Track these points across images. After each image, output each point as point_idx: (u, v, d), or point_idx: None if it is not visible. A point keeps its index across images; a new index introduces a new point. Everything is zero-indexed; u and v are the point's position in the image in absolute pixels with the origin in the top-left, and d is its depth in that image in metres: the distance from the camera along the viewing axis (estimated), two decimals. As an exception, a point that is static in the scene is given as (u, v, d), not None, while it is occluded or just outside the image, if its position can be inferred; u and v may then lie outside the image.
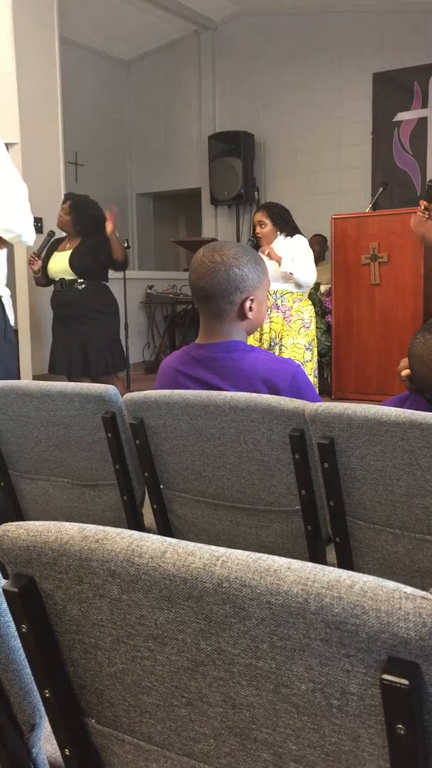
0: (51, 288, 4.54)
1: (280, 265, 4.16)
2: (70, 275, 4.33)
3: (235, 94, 8.13)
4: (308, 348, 4.33)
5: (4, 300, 2.42)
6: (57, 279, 4.39)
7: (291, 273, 4.17)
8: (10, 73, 5.26)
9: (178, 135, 8.58)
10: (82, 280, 4.32)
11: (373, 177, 7.36)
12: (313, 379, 4.39)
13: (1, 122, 5.12)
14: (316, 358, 4.44)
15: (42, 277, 4.45)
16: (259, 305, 1.69)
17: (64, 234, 4.50)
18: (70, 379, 4.31)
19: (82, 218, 4.37)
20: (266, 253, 4.19)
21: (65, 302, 4.36)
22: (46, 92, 5.64)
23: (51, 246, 4.47)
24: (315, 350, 4.42)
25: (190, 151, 8.50)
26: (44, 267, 4.42)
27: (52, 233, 4.46)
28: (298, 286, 4.29)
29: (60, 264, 4.36)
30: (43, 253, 4.42)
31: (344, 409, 1.33)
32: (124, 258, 4.45)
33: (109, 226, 4.25)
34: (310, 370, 4.35)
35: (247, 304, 1.66)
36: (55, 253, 4.41)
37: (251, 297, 1.66)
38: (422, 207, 3.57)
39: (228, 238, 7.75)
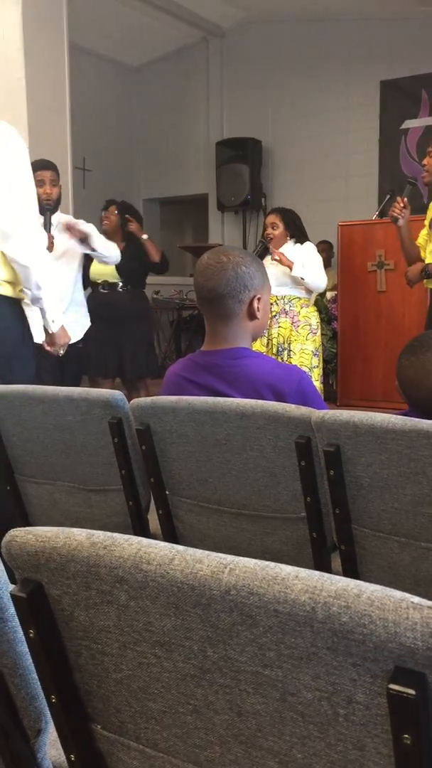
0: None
1: (291, 270, 4.19)
2: (114, 278, 4.40)
3: (243, 100, 8.15)
4: (315, 354, 4.35)
5: (30, 310, 2.45)
6: (99, 281, 4.42)
7: (302, 278, 4.19)
8: (19, 78, 5.29)
9: (185, 141, 8.60)
10: (125, 284, 4.41)
11: (379, 184, 7.36)
12: (319, 385, 4.40)
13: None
14: (322, 364, 4.46)
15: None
16: (264, 306, 1.71)
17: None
18: (94, 382, 4.33)
19: (125, 222, 4.51)
20: (277, 258, 4.22)
21: (106, 305, 4.37)
22: (54, 98, 5.67)
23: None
24: (321, 356, 4.44)
25: (197, 157, 8.53)
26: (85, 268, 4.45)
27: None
28: (308, 291, 4.32)
29: (106, 267, 4.38)
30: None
31: (350, 417, 1.34)
32: (162, 259, 4.56)
33: (138, 232, 4.43)
34: (317, 376, 4.36)
35: (255, 303, 1.67)
36: None
37: (258, 296, 1.68)
38: (401, 204, 3.57)
39: (235, 244, 7.75)
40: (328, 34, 7.52)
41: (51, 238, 3.68)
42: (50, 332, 2.55)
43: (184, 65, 8.46)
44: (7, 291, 2.36)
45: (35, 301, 2.43)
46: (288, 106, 7.84)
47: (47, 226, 3.64)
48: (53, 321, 2.52)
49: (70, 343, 3.62)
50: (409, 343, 1.69)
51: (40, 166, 3.60)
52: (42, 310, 2.49)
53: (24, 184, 2.33)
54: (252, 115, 8.03)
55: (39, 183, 3.43)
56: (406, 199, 3.63)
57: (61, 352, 2.68)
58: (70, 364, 3.84)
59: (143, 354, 4.50)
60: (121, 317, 4.37)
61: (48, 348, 2.63)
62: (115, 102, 8.56)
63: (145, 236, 4.43)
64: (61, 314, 2.63)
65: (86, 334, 4.41)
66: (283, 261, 4.22)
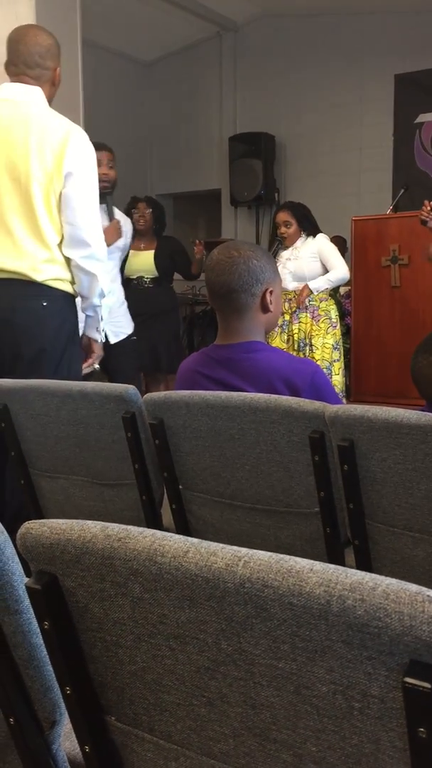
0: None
1: (313, 289, 4.26)
2: (151, 274, 4.48)
3: (256, 95, 8.12)
4: (336, 347, 4.35)
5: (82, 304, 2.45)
6: (134, 276, 4.47)
7: (330, 280, 4.28)
8: (32, 74, 5.29)
9: (198, 136, 8.58)
10: (159, 281, 4.51)
11: (393, 179, 7.32)
12: (341, 378, 4.40)
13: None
14: (342, 358, 4.46)
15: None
16: (276, 299, 1.72)
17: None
18: (125, 379, 4.35)
19: (161, 220, 4.64)
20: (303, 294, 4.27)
21: (142, 299, 4.41)
22: (67, 93, 5.64)
23: None
24: (342, 349, 4.44)
25: (210, 152, 8.51)
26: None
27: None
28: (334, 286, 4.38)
29: (143, 263, 4.47)
30: None
31: (364, 412, 1.33)
32: (198, 273, 4.71)
33: (198, 251, 4.63)
34: (338, 370, 4.36)
35: (268, 296, 1.68)
36: (133, 251, 4.45)
37: (270, 289, 1.70)
38: (428, 207, 3.62)
39: (248, 239, 7.74)
40: (341, 27, 7.48)
41: (118, 224, 3.56)
42: (95, 341, 2.51)
43: (197, 60, 8.44)
44: (69, 288, 2.37)
45: (92, 308, 2.42)
46: (301, 101, 7.80)
47: (110, 211, 3.54)
48: (102, 330, 2.52)
49: (127, 335, 3.67)
50: (425, 340, 1.67)
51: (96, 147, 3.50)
52: (94, 319, 2.47)
53: (94, 190, 2.34)
54: (265, 110, 8.00)
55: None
56: None
57: (97, 366, 2.60)
58: (129, 358, 3.87)
59: (175, 346, 4.65)
60: (157, 312, 4.46)
61: (85, 364, 2.52)
62: (128, 97, 8.56)
63: (200, 253, 4.59)
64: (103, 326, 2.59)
65: None
66: (303, 294, 4.27)
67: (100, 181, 3.20)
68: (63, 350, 2.34)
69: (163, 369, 4.52)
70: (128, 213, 4.49)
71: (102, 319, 2.47)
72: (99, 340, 2.53)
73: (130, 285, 4.45)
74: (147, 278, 4.48)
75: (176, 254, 4.59)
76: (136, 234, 4.43)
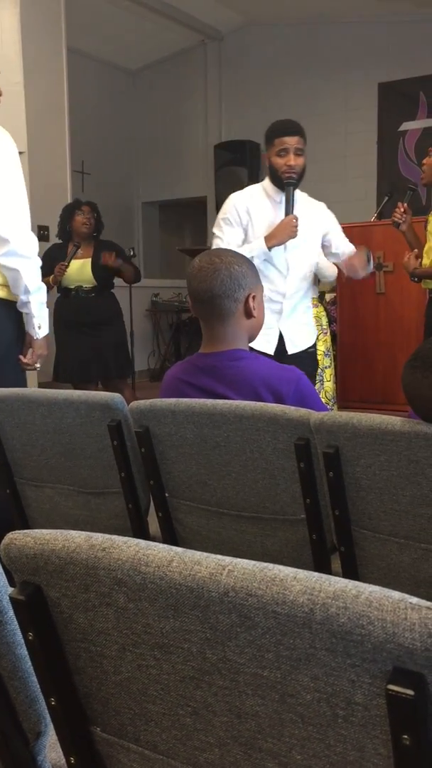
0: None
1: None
2: (89, 283, 4.39)
3: (241, 103, 8.16)
4: (327, 354, 4.34)
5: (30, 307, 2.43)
6: (72, 286, 4.40)
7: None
8: (17, 82, 5.30)
9: (183, 144, 8.61)
10: (99, 289, 4.42)
11: (378, 186, 7.37)
12: (331, 385, 4.39)
13: (8, 131, 5.14)
14: (333, 365, 4.45)
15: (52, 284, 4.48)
16: (259, 305, 1.72)
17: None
18: (77, 386, 4.32)
19: (101, 225, 4.52)
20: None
21: (81, 310, 4.38)
22: (53, 101, 5.68)
23: (60, 255, 4.45)
24: (332, 356, 4.44)
25: (195, 160, 8.54)
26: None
27: (78, 244, 4.39)
28: (317, 282, 4.17)
29: (80, 273, 4.37)
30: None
31: (349, 419, 1.34)
32: (135, 278, 4.66)
33: (114, 263, 4.35)
34: (329, 376, 4.35)
35: (251, 302, 1.69)
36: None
37: (253, 294, 1.70)
38: (401, 209, 3.65)
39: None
40: (325, 36, 7.54)
41: (295, 219, 2.76)
42: (34, 338, 2.47)
43: (182, 69, 8.47)
44: (1, 293, 2.36)
45: (23, 305, 2.40)
46: (286, 109, 7.82)
47: (290, 204, 2.79)
48: (39, 327, 2.46)
49: None
50: (423, 354, 1.34)
51: (291, 130, 2.79)
52: (28, 315, 2.44)
53: (14, 187, 2.32)
54: (250, 118, 8.03)
55: (280, 153, 2.78)
56: (406, 204, 3.74)
57: (38, 365, 2.53)
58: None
59: (122, 353, 4.62)
60: (97, 321, 4.41)
61: (24, 360, 2.46)
62: (114, 105, 8.58)
63: (119, 262, 4.42)
64: (47, 322, 2.50)
65: (64, 341, 4.41)
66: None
67: (285, 175, 2.71)
68: (1, 359, 2.35)
69: (113, 375, 4.50)
70: (68, 215, 4.42)
71: (35, 315, 2.42)
72: (36, 337, 2.46)
73: (69, 295, 4.41)
74: (86, 287, 4.39)
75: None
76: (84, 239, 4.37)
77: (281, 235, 2.75)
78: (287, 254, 2.85)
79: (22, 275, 2.32)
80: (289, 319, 2.91)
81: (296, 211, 2.82)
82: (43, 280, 4.48)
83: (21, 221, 2.34)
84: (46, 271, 4.36)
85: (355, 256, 2.91)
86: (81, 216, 4.39)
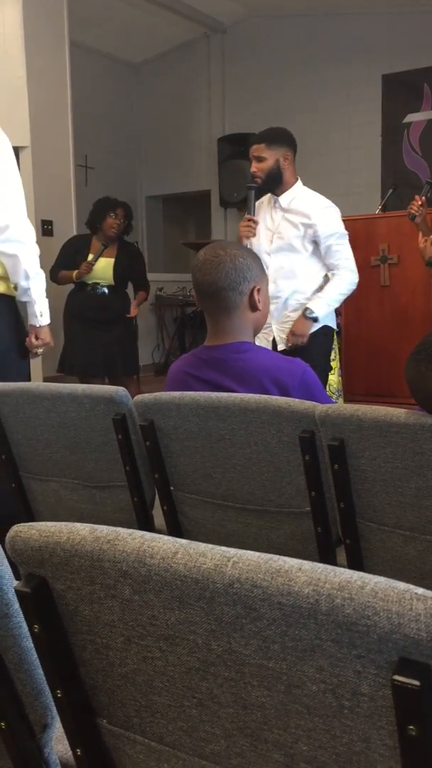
0: (57, 289, 4.54)
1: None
2: (107, 281, 4.44)
3: (244, 96, 8.13)
4: (332, 348, 4.33)
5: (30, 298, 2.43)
6: (89, 282, 4.42)
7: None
8: (20, 76, 5.29)
9: (187, 137, 8.59)
10: (115, 288, 4.49)
11: (382, 179, 7.34)
12: (337, 378, 4.38)
13: (11, 125, 5.13)
14: (339, 358, 4.44)
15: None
16: (264, 298, 1.72)
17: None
18: (83, 381, 4.33)
19: (129, 228, 4.61)
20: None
21: (95, 306, 4.41)
22: (56, 95, 5.66)
23: (83, 249, 4.45)
24: (338, 349, 4.43)
25: (199, 153, 8.51)
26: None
27: (106, 244, 4.41)
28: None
29: (104, 271, 4.42)
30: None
31: (354, 411, 1.33)
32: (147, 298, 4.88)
33: (133, 312, 4.63)
34: (335, 369, 4.34)
35: (255, 294, 1.68)
36: (93, 256, 4.42)
37: (258, 287, 1.70)
38: (419, 202, 3.70)
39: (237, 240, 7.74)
40: (328, 28, 7.49)
41: (249, 220, 3.06)
42: (37, 326, 2.46)
43: (185, 61, 8.44)
44: (0, 288, 2.37)
45: (23, 293, 2.39)
46: (289, 101, 7.82)
47: (250, 206, 3.11)
48: (41, 314, 2.45)
49: None
50: (426, 347, 1.31)
51: (253, 139, 3.12)
52: (29, 303, 2.43)
53: (9, 176, 2.32)
54: (253, 111, 8.01)
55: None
56: (424, 198, 3.83)
57: (40, 352, 2.52)
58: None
59: (132, 351, 4.69)
60: (110, 318, 4.47)
61: (34, 343, 2.46)
62: (117, 99, 8.55)
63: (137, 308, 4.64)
64: (48, 310, 2.50)
65: (74, 335, 4.47)
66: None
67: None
68: (3, 354, 2.36)
69: (119, 373, 4.53)
70: (101, 212, 4.43)
71: (36, 302, 2.42)
72: (39, 324, 2.46)
73: (84, 290, 4.44)
74: (103, 285, 4.45)
75: (133, 264, 4.60)
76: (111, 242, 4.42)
77: (239, 234, 3.06)
78: (268, 257, 3.09)
79: (21, 260, 2.32)
80: (279, 317, 3.12)
81: (274, 214, 3.15)
82: (65, 274, 4.48)
83: (18, 208, 2.34)
84: (67, 261, 4.40)
85: (298, 322, 3.21)
86: (112, 219, 4.43)
